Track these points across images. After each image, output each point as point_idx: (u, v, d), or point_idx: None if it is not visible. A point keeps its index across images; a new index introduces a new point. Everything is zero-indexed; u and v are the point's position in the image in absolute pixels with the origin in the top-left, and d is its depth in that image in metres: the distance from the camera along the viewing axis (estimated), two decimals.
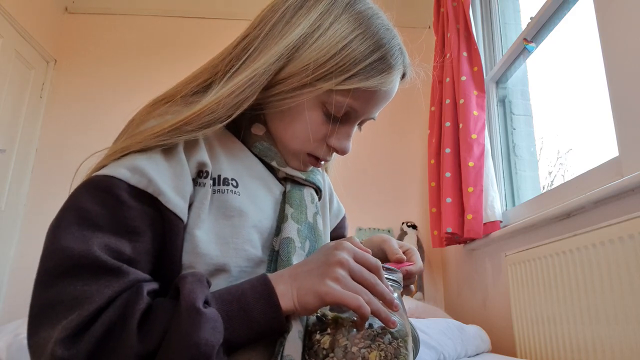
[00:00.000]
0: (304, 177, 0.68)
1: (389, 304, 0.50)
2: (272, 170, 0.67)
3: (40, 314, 0.45)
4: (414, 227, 2.61)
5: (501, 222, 1.85)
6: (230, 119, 0.59)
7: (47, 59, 2.84)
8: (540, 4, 1.75)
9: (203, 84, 0.62)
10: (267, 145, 0.66)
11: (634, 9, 1.15)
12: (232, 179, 0.60)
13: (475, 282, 2.10)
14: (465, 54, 2.10)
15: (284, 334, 0.50)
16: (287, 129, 0.64)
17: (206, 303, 0.47)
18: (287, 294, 0.50)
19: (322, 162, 0.69)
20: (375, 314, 0.48)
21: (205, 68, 0.64)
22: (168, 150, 0.56)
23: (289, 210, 0.63)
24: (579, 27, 1.63)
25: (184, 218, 0.54)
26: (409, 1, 2.89)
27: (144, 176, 0.52)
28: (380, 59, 0.61)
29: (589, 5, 1.38)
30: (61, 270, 0.46)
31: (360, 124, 0.68)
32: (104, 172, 0.52)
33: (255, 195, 0.62)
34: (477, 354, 1.59)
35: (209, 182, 0.58)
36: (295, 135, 0.64)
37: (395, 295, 0.53)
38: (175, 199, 0.53)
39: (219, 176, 0.60)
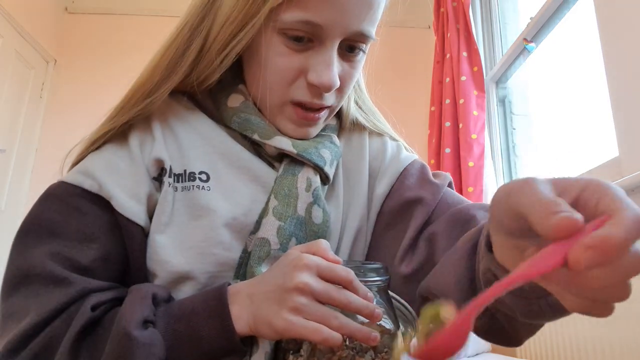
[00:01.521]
0: (296, 151, 0.54)
1: (369, 317, 0.41)
2: (261, 150, 0.57)
3: None
4: None
5: None
6: (169, 83, 0.52)
7: (47, 59, 2.84)
8: (540, 4, 1.75)
9: None
10: (245, 116, 0.55)
11: (634, 9, 1.15)
12: (202, 172, 0.52)
13: None
14: (465, 54, 2.10)
15: (246, 356, 0.44)
16: (259, 79, 0.53)
17: (149, 322, 0.42)
18: (242, 317, 0.43)
19: (319, 114, 0.55)
20: (350, 335, 0.40)
21: None
22: (121, 147, 0.53)
23: (272, 203, 0.52)
24: (579, 27, 1.63)
25: (140, 222, 0.49)
26: (409, 1, 2.89)
27: (95, 179, 0.49)
28: None
29: (589, 5, 1.38)
30: (14, 282, 0.46)
31: (352, 48, 0.53)
32: (61, 178, 0.51)
33: (231, 187, 0.53)
34: (477, 354, 1.59)
35: (169, 180, 0.51)
36: (269, 83, 0.52)
37: (378, 297, 0.45)
38: (127, 202, 0.49)
39: (185, 171, 0.52)
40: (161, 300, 0.46)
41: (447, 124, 2.11)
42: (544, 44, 1.84)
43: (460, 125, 2.02)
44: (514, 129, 2.12)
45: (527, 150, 2.07)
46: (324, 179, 0.57)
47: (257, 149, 0.57)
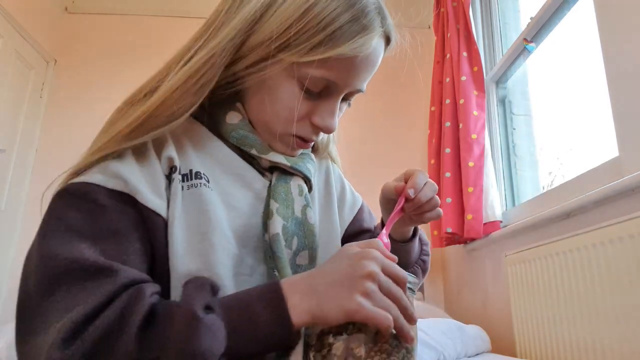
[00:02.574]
0: (289, 164, 0.62)
1: (409, 318, 0.46)
2: (254, 162, 0.63)
3: (34, 322, 0.44)
4: None
5: (501, 222, 1.85)
6: (194, 107, 0.55)
7: (47, 59, 2.84)
8: (540, 4, 1.75)
9: (166, 75, 0.56)
10: (243, 133, 0.60)
11: (634, 9, 1.15)
12: (204, 174, 0.57)
13: (475, 282, 2.10)
14: (465, 54, 2.10)
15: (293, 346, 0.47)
16: (267, 109, 0.59)
17: (209, 309, 0.44)
18: (302, 306, 0.45)
19: (311, 143, 0.64)
20: (398, 329, 0.45)
21: (171, 58, 0.59)
22: (139, 150, 0.54)
23: (274, 206, 0.59)
24: (579, 27, 1.63)
25: (163, 214, 0.52)
26: (409, 1, 2.89)
27: (120, 178, 0.51)
28: (351, 21, 0.54)
29: (589, 5, 1.38)
30: (54, 278, 0.45)
31: (347, 99, 0.62)
32: (79, 179, 0.50)
33: (227, 192, 0.58)
34: (477, 354, 1.59)
35: (179, 177, 0.55)
36: (276, 116, 0.59)
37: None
38: (151, 196, 0.52)
39: (191, 170, 0.56)
40: (217, 291, 0.48)
41: (447, 124, 2.11)
42: (544, 44, 1.84)
43: (460, 125, 2.02)
44: (514, 129, 2.12)
45: (527, 150, 2.07)
46: (309, 189, 0.66)
47: (248, 159, 0.63)
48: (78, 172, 0.52)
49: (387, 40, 0.61)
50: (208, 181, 0.57)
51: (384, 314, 0.43)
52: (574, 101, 1.78)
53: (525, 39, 1.85)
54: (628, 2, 1.18)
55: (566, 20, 1.71)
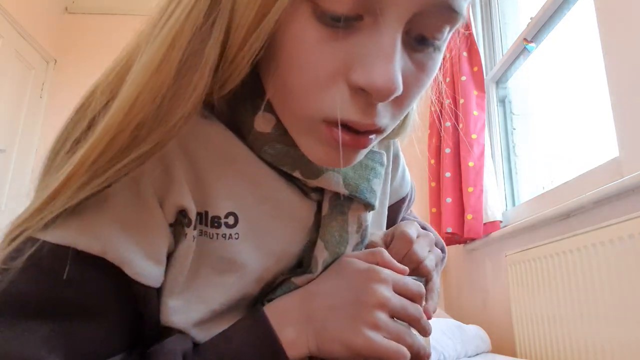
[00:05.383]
0: (347, 192, 0.43)
1: (424, 333, 0.41)
2: (295, 178, 0.44)
3: None
4: None
5: (501, 222, 1.85)
6: (192, 113, 0.35)
7: (47, 59, 2.84)
8: (540, 4, 1.75)
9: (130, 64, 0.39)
10: (281, 147, 0.40)
11: (634, 9, 1.15)
12: (228, 215, 0.40)
13: (475, 282, 2.10)
14: (465, 54, 2.10)
15: None
16: (286, 86, 0.35)
17: None
18: (299, 340, 0.38)
19: (367, 137, 0.36)
20: (414, 355, 0.39)
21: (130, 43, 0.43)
22: (127, 187, 0.36)
23: (320, 255, 0.43)
24: (579, 27, 1.63)
25: (158, 285, 0.38)
26: None
27: (98, 238, 0.34)
28: None
29: (589, 5, 1.38)
30: None
31: (420, 40, 0.34)
32: (41, 236, 0.35)
33: (263, 229, 0.42)
34: (477, 354, 1.59)
35: (193, 232, 0.39)
36: (299, 89, 0.34)
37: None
38: (144, 265, 0.36)
39: (207, 213, 0.40)
40: (190, 355, 0.38)
41: (447, 124, 2.11)
42: (544, 44, 1.84)
43: (460, 125, 2.02)
44: (514, 129, 2.12)
45: (527, 150, 2.07)
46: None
47: (286, 174, 0.44)
48: (41, 217, 0.36)
49: None
50: (235, 223, 0.40)
51: (397, 349, 0.37)
52: (574, 101, 1.78)
53: (525, 39, 1.85)
54: (628, 2, 1.18)
55: (566, 20, 1.71)
